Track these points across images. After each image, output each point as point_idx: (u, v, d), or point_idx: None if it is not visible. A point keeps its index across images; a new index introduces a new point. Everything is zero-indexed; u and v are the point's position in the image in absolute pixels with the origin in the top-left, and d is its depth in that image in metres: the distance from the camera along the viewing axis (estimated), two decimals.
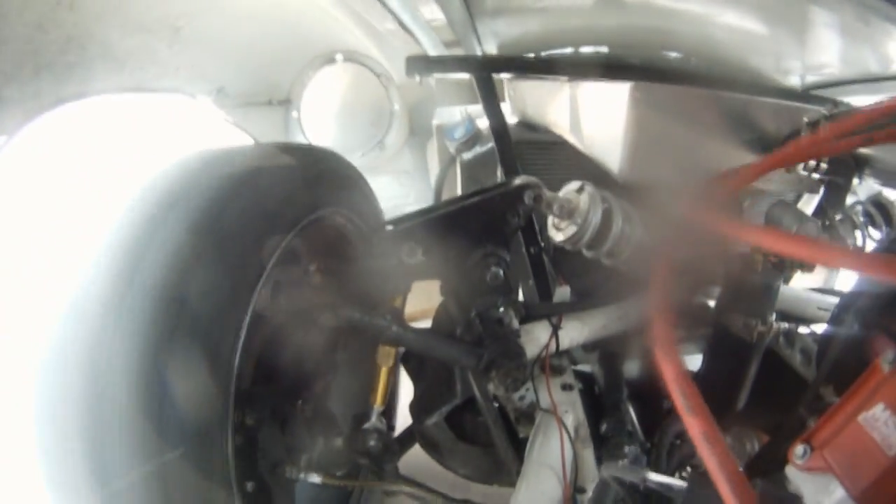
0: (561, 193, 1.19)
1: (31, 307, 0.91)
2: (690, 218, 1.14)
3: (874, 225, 1.44)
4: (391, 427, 1.26)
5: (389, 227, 1.18)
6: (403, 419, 1.33)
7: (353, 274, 1.28)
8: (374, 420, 1.20)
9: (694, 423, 0.68)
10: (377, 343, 1.21)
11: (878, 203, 1.45)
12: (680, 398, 0.69)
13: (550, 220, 1.20)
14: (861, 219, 1.44)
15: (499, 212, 1.21)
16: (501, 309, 1.23)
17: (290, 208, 1.11)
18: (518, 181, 1.19)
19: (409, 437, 1.37)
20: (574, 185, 1.18)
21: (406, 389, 1.36)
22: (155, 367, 0.82)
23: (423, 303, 1.65)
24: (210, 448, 0.89)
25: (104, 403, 0.81)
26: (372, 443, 1.18)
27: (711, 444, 0.67)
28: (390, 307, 1.21)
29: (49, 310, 0.87)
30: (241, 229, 0.97)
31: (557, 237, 1.18)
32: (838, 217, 1.45)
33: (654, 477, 0.88)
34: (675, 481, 0.86)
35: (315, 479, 1.15)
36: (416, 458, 1.34)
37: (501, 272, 1.18)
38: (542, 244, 1.46)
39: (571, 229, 1.15)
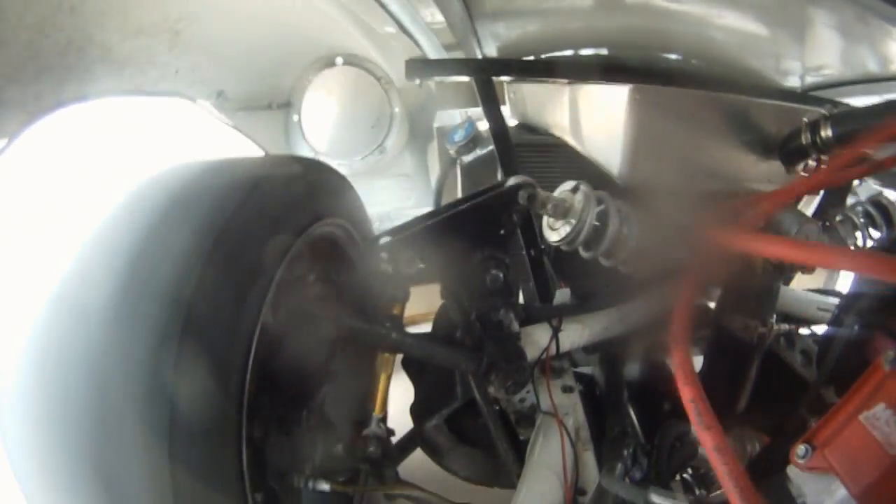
0: (556, 193, 1.18)
1: (30, 311, 0.88)
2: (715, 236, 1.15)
3: (874, 226, 1.43)
4: (391, 432, 1.25)
5: (387, 239, 1.17)
6: (404, 423, 1.33)
7: (352, 284, 1.27)
8: (373, 427, 1.19)
9: (707, 437, 0.71)
10: (373, 348, 1.21)
11: (878, 203, 1.44)
12: (695, 416, 0.71)
13: (545, 220, 1.20)
14: (861, 220, 1.43)
15: (494, 214, 1.20)
16: (501, 312, 1.23)
17: (295, 216, 1.09)
18: (511, 182, 1.19)
19: (409, 441, 1.36)
20: (569, 184, 1.17)
21: (407, 392, 1.36)
22: (164, 381, 0.78)
23: (424, 306, 1.65)
24: (223, 464, 0.87)
25: (111, 421, 0.77)
26: (371, 449, 1.17)
27: (722, 455, 0.68)
28: (389, 314, 1.20)
29: (50, 315, 0.84)
30: (250, 236, 0.94)
31: (552, 237, 1.18)
32: (838, 218, 1.45)
33: (657, 498, 0.88)
34: (678, 502, 0.86)
35: (323, 486, 1.14)
36: (418, 462, 1.34)
37: (501, 275, 1.18)
38: (543, 246, 1.46)
39: (566, 229, 1.14)
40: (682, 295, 0.99)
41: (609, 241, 1.15)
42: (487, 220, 1.21)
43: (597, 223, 1.14)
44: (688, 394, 0.74)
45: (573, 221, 1.13)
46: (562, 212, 1.14)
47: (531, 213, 1.23)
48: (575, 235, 1.13)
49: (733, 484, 0.67)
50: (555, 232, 1.17)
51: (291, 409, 1.17)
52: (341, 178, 1.32)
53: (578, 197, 1.13)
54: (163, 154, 2.24)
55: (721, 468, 0.67)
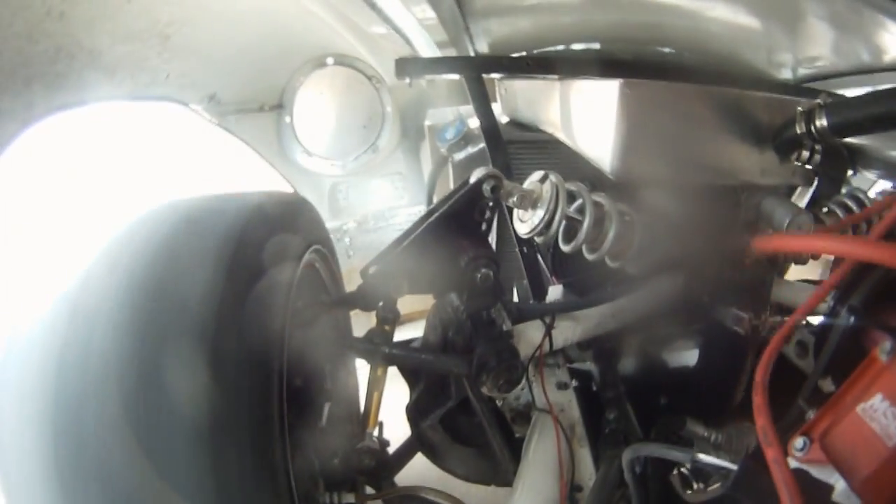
0: (525, 184, 1.16)
1: (30, 319, 0.85)
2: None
3: None
4: (385, 444, 1.25)
5: (374, 268, 1.14)
6: (403, 428, 1.33)
7: (339, 304, 1.28)
8: (367, 441, 1.19)
9: (769, 452, 0.78)
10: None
11: (855, 197, 1.45)
12: (763, 438, 0.80)
13: (516, 212, 1.17)
14: (839, 212, 1.43)
15: (466, 213, 1.18)
16: (494, 310, 1.22)
17: (298, 240, 1.14)
18: (474, 176, 1.16)
19: (406, 450, 1.36)
20: (537, 174, 1.14)
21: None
22: (205, 410, 0.73)
23: (419, 304, 1.65)
24: (272, 489, 0.81)
25: (133, 440, 0.71)
26: (367, 461, 1.17)
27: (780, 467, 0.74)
28: (379, 330, 1.20)
29: (56, 328, 0.80)
30: (268, 259, 0.94)
31: (522, 229, 1.15)
32: (824, 210, 1.45)
33: (705, 458, 0.88)
34: (727, 463, 0.86)
35: (349, 499, 1.15)
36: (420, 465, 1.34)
37: (491, 273, 1.16)
38: (536, 243, 1.45)
39: (535, 220, 1.11)
40: (769, 350, 1.00)
41: (586, 233, 1.13)
42: (463, 221, 1.18)
43: (569, 214, 1.12)
44: (759, 421, 0.82)
45: (540, 213, 1.10)
46: (529, 202, 1.12)
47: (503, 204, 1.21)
48: (545, 226, 1.11)
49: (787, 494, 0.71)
50: (524, 224, 1.14)
51: (304, 427, 1.17)
52: (315, 208, 1.39)
53: (546, 186, 1.11)
54: (156, 159, 2.24)
55: (778, 478, 0.73)
